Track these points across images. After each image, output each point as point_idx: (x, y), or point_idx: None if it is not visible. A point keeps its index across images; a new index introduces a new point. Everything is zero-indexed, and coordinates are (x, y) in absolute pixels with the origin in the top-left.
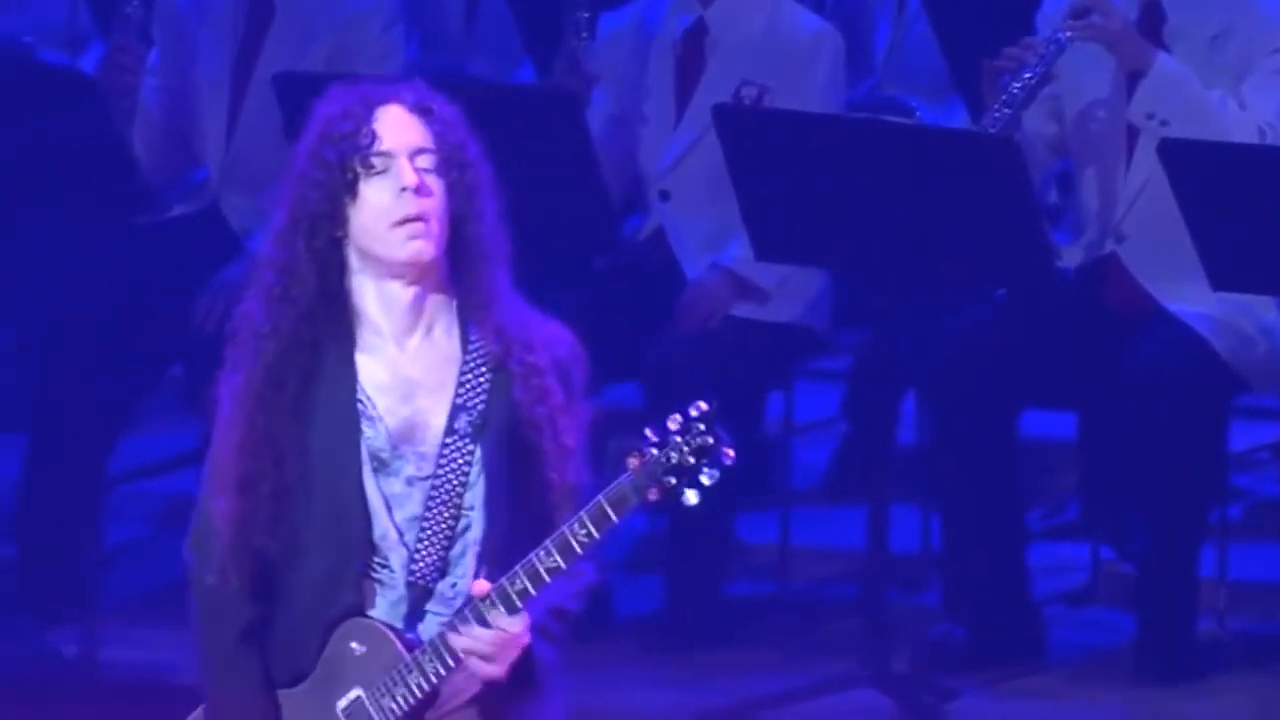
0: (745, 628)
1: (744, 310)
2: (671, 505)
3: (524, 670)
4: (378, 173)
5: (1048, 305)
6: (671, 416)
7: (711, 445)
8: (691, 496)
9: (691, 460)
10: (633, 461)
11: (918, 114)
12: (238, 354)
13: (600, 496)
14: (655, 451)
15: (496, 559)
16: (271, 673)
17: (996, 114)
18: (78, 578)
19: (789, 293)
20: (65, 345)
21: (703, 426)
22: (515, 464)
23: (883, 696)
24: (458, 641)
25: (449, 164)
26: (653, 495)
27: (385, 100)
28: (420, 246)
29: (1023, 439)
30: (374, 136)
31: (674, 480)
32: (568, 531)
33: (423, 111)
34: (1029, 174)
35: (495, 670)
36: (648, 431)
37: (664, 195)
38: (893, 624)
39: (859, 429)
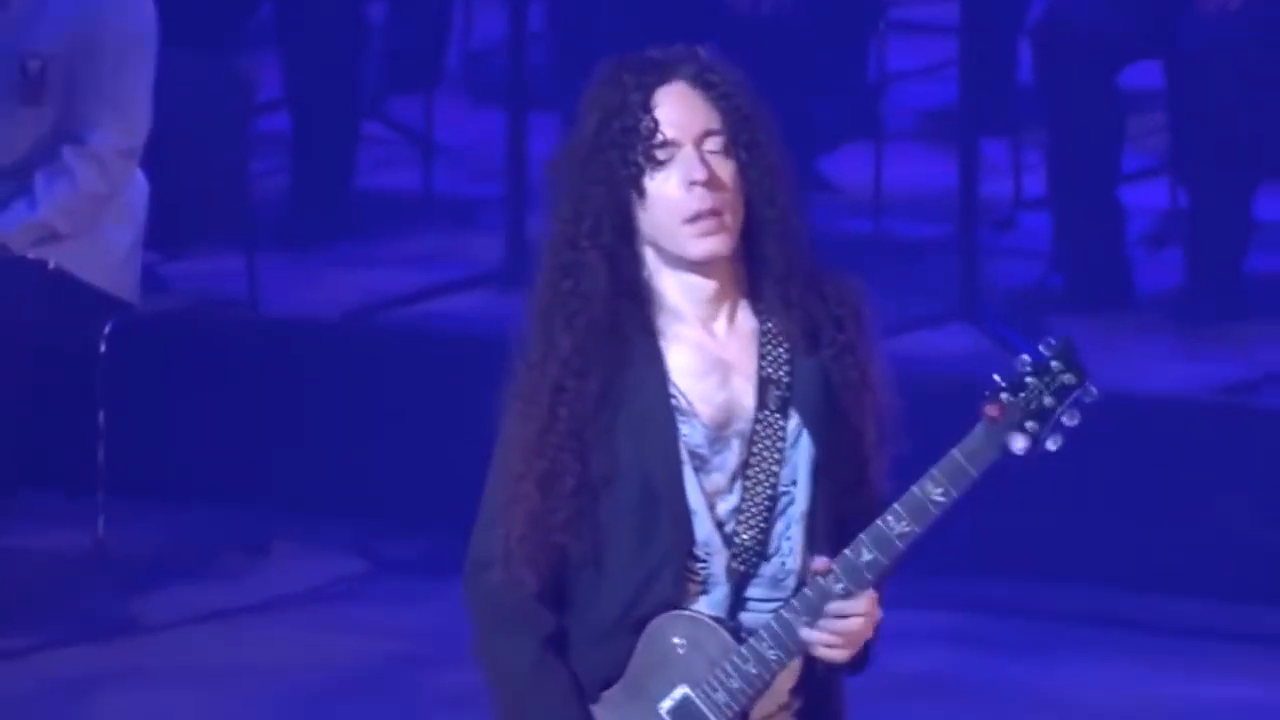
0: (1262, 303)
1: None
2: (1032, 456)
3: (858, 658)
4: (663, 163)
5: None
6: (1019, 357)
7: (1073, 384)
8: (1053, 444)
9: (1051, 402)
10: (990, 411)
11: None
12: (532, 346)
13: (955, 450)
14: (1010, 397)
15: (824, 534)
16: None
17: None
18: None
19: None
20: None
21: (1059, 364)
22: (832, 434)
23: None
24: (806, 632)
25: (739, 143)
26: (1017, 446)
27: (665, 78)
28: (714, 244)
29: None
30: (656, 125)
31: (1037, 425)
32: (919, 491)
33: (706, 85)
34: None
35: (846, 655)
36: (996, 377)
37: None
38: None
39: None
